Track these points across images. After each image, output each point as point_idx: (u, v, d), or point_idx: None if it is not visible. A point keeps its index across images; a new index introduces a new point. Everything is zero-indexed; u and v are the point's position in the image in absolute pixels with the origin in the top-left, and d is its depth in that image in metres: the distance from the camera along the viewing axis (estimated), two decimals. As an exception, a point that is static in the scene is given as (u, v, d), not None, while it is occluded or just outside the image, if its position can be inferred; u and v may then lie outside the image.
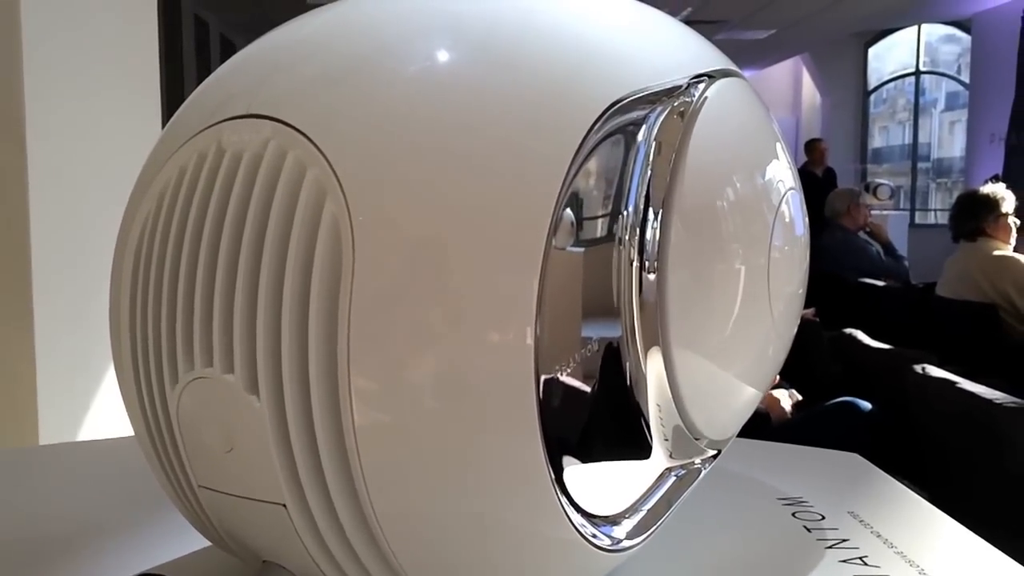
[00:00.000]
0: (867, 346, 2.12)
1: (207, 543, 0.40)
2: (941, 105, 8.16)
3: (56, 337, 1.07)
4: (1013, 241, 2.74)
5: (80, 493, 0.54)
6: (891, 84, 8.46)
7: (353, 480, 0.31)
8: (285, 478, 0.32)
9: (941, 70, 8.04)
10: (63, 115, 1.13)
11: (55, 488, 0.56)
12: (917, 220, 7.72)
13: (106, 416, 1.19)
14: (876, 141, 8.65)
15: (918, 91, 8.13)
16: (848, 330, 2.23)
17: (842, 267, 3.38)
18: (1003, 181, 3.17)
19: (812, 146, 5.95)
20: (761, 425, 1.79)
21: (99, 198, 1.18)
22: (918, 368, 1.68)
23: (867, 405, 1.86)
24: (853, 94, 8.48)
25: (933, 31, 7.91)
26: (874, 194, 5.32)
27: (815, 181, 5.40)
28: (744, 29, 7.04)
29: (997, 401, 1.41)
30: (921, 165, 8.14)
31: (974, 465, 1.55)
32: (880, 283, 3.27)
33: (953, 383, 1.55)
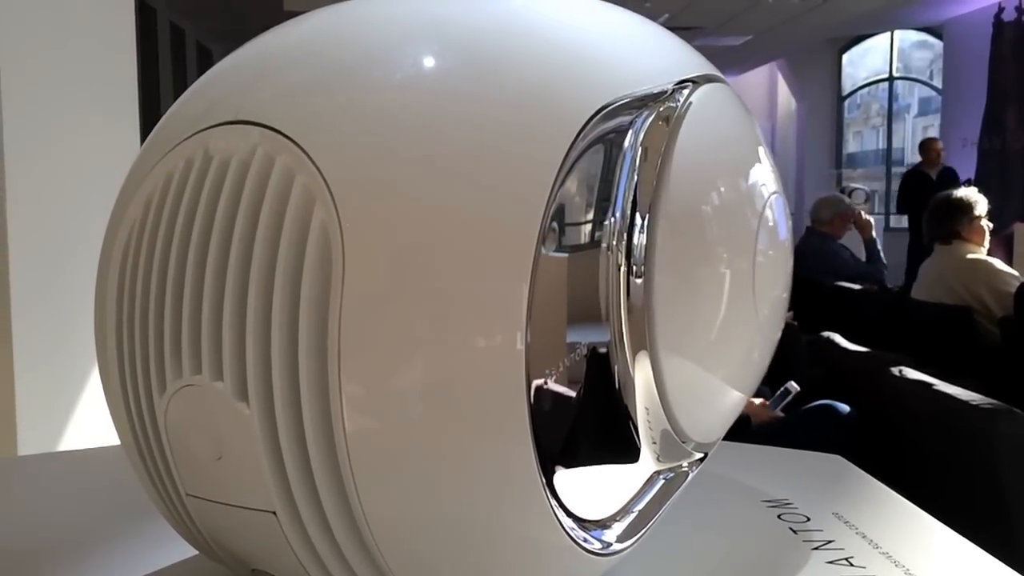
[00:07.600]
0: (845, 349, 2.13)
1: (194, 552, 0.39)
2: (914, 110, 8.25)
3: (35, 346, 1.06)
4: (987, 244, 2.77)
5: (62, 503, 0.54)
6: (865, 89, 8.54)
7: (344, 487, 0.31)
8: (275, 485, 0.31)
9: (914, 76, 8.13)
10: (40, 121, 1.11)
11: (36, 499, 0.55)
12: (892, 224, 7.79)
13: (87, 426, 1.17)
14: (850, 146, 8.73)
15: (891, 96, 8.22)
16: (826, 333, 2.24)
17: (818, 271, 3.41)
18: (976, 185, 3.21)
19: (927, 146, 5.85)
20: (741, 429, 1.79)
21: (77, 205, 1.17)
22: (895, 370, 1.69)
23: (846, 408, 1.87)
24: (827, 99, 8.56)
25: (906, 37, 8.00)
26: (849, 198, 5.36)
27: (928, 182, 5.37)
28: (720, 35, 7.09)
29: (972, 402, 1.43)
30: (895, 169, 8.22)
31: (950, 465, 1.56)
32: (856, 287, 3.30)
33: (929, 385, 1.56)
